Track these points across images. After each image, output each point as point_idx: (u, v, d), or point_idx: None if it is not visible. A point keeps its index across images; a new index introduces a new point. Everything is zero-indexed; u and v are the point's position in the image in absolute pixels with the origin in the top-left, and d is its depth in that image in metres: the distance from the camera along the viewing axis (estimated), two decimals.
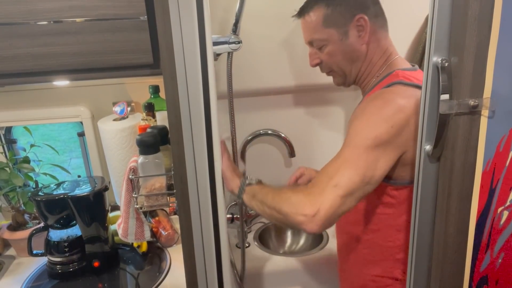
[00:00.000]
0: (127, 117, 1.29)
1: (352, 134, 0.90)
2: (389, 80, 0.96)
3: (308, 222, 0.83)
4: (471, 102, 0.70)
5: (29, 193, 1.15)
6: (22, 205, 1.25)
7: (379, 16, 1.01)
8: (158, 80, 1.36)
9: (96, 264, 1.15)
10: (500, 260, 0.81)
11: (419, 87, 0.89)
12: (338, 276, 1.22)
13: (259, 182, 0.97)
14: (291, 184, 1.25)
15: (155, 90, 1.37)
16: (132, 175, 1.03)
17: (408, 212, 0.96)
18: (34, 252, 1.16)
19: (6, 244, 1.28)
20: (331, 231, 1.55)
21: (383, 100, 0.91)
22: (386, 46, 1.03)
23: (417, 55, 1.44)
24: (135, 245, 1.23)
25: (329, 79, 1.11)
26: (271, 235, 1.65)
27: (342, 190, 0.84)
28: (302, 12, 1.05)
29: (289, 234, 1.67)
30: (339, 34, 1.00)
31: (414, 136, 0.88)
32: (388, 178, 0.94)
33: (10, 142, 1.42)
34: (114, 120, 1.28)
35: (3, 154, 1.30)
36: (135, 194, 1.04)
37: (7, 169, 1.22)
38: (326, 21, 1.00)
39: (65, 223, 1.14)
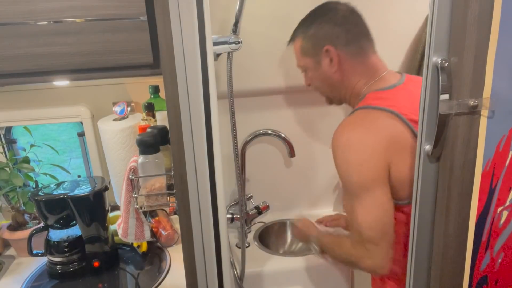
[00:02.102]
0: (127, 117, 1.29)
1: (342, 179, 1.00)
2: (359, 105, 1.03)
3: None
4: (471, 102, 0.70)
5: (29, 193, 1.15)
6: (22, 205, 1.25)
7: (351, 44, 1.04)
8: (158, 80, 1.36)
9: (96, 264, 1.15)
10: (499, 260, 0.81)
11: (384, 110, 0.96)
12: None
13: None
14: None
15: (155, 90, 1.37)
16: (132, 175, 1.03)
17: None
18: (34, 252, 1.16)
19: (6, 244, 1.28)
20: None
21: (344, 142, 0.97)
22: (367, 69, 1.06)
23: (417, 55, 1.44)
24: (135, 245, 1.23)
25: None
26: (271, 235, 1.65)
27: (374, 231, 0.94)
28: (290, 40, 1.15)
29: (289, 234, 1.67)
30: (314, 63, 1.09)
31: (393, 152, 0.93)
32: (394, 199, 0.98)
33: (10, 142, 1.42)
34: (114, 120, 1.28)
35: (3, 154, 1.30)
36: (135, 194, 1.04)
37: (7, 169, 1.22)
38: (303, 51, 1.10)
39: (65, 223, 1.14)
